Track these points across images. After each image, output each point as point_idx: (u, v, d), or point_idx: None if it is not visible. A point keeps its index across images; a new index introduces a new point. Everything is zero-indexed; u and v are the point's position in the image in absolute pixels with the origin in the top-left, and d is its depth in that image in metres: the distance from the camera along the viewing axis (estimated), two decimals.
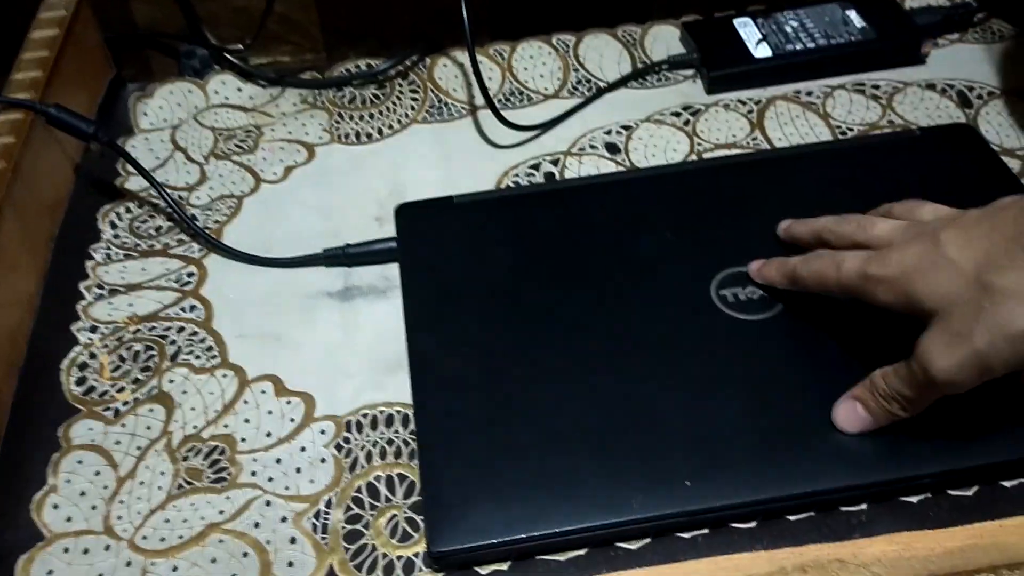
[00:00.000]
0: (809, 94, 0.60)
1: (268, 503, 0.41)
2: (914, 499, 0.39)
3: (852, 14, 0.62)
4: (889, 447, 0.39)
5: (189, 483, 0.42)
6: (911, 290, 0.37)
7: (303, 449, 0.43)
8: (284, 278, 0.50)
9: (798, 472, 0.38)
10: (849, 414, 0.39)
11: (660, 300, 0.45)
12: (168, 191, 0.54)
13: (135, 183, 0.56)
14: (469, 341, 0.44)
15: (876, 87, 0.60)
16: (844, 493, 0.38)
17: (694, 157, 0.56)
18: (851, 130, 0.57)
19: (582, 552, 0.38)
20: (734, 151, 0.56)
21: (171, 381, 0.46)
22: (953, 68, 0.61)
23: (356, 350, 0.47)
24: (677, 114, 0.59)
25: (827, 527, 0.38)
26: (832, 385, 0.40)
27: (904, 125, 0.57)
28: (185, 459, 0.43)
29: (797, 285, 0.43)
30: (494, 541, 0.37)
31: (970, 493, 0.39)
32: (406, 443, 0.42)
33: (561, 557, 0.38)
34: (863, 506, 0.39)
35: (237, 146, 0.59)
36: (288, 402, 0.45)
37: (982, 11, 0.64)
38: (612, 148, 0.57)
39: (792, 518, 0.39)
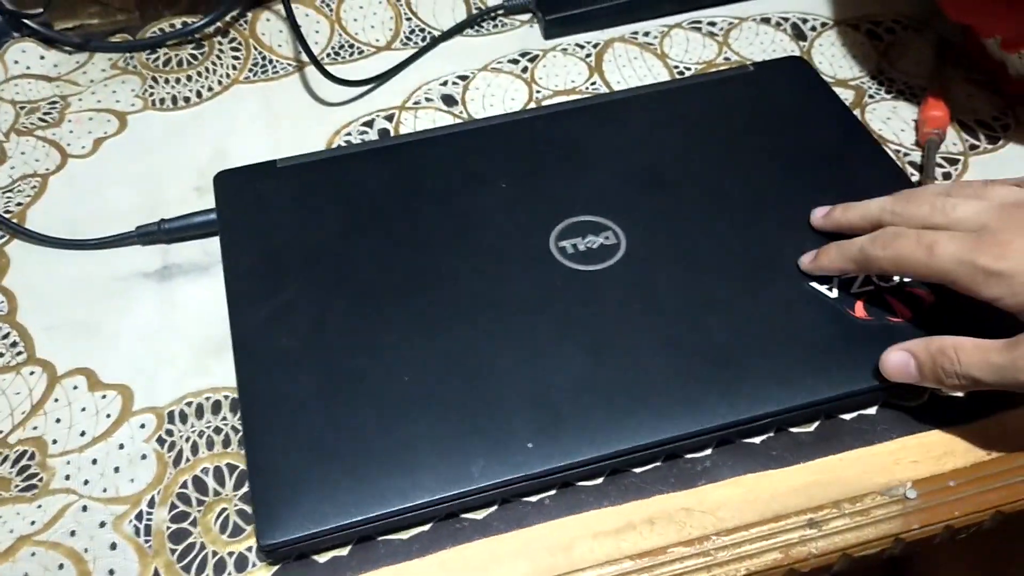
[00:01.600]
0: (647, 34, 0.58)
1: (84, 508, 0.38)
2: (757, 440, 0.39)
3: None
4: (727, 390, 0.38)
5: None
6: None
7: (121, 446, 0.39)
8: (95, 261, 0.46)
9: (639, 423, 0.37)
10: (900, 369, 0.37)
11: (497, 255, 0.43)
12: None
13: None
14: (296, 314, 0.41)
15: (712, 24, 0.59)
16: (686, 440, 0.38)
17: (533, 105, 0.54)
18: (688, 69, 0.56)
19: (426, 528, 0.37)
20: (573, 96, 0.54)
21: None
22: (787, 1, 0.60)
23: (177, 334, 0.43)
24: (515, 61, 0.57)
25: (673, 477, 0.38)
26: (669, 333, 0.40)
27: (740, 61, 0.56)
28: None
29: (868, 269, 0.40)
30: (328, 527, 0.35)
31: (811, 430, 0.39)
32: (235, 430, 0.40)
33: (404, 535, 0.36)
34: (707, 452, 0.38)
35: (41, 119, 0.54)
36: (103, 396, 0.41)
37: None
38: (449, 100, 0.55)
39: (638, 471, 0.38)
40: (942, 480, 0.37)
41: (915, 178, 0.49)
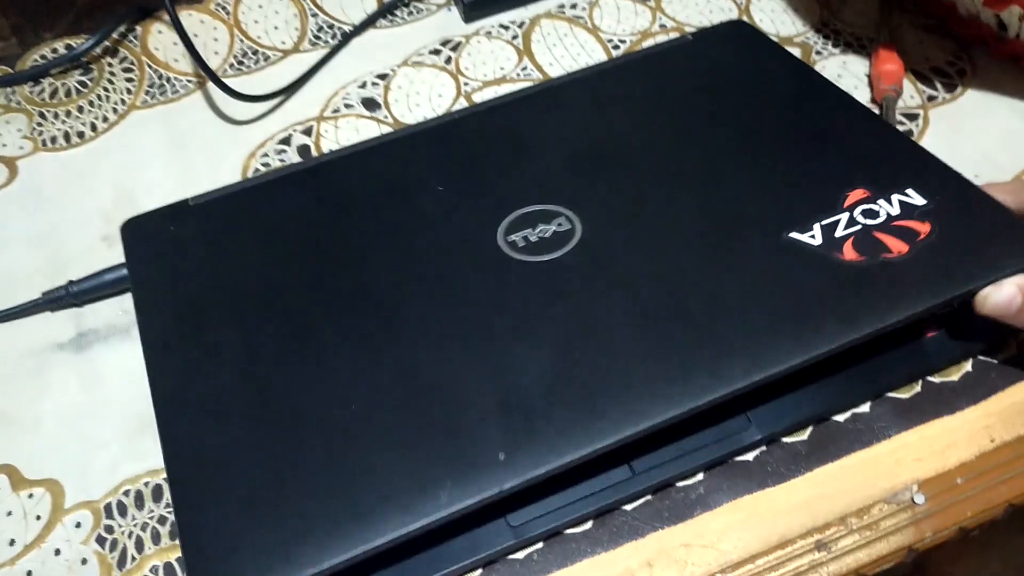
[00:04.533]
0: (574, 7, 0.54)
1: None
2: (749, 457, 0.36)
3: None
4: (713, 364, 0.34)
5: None
6: None
7: (58, 552, 0.35)
8: (0, 336, 0.42)
9: (620, 415, 0.33)
10: (1005, 304, 0.35)
11: (442, 262, 0.40)
12: None
13: None
14: (223, 357, 0.37)
15: None
16: (676, 421, 0.34)
17: (462, 100, 0.50)
18: (623, 42, 0.52)
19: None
20: (504, 86, 0.50)
21: None
22: None
23: (104, 410, 0.39)
24: (436, 52, 0.53)
25: (667, 510, 0.35)
26: (641, 312, 0.36)
27: (677, 27, 0.53)
28: None
29: None
30: None
31: (804, 438, 0.36)
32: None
33: None
34: (700, 477, 0.36)
35: None
36: (30, 495, 0.37)
37: None
38: (370, 104, 0.50)
39: (629, 508, 0.35)
40: (949, 479, 0.35)
41: None
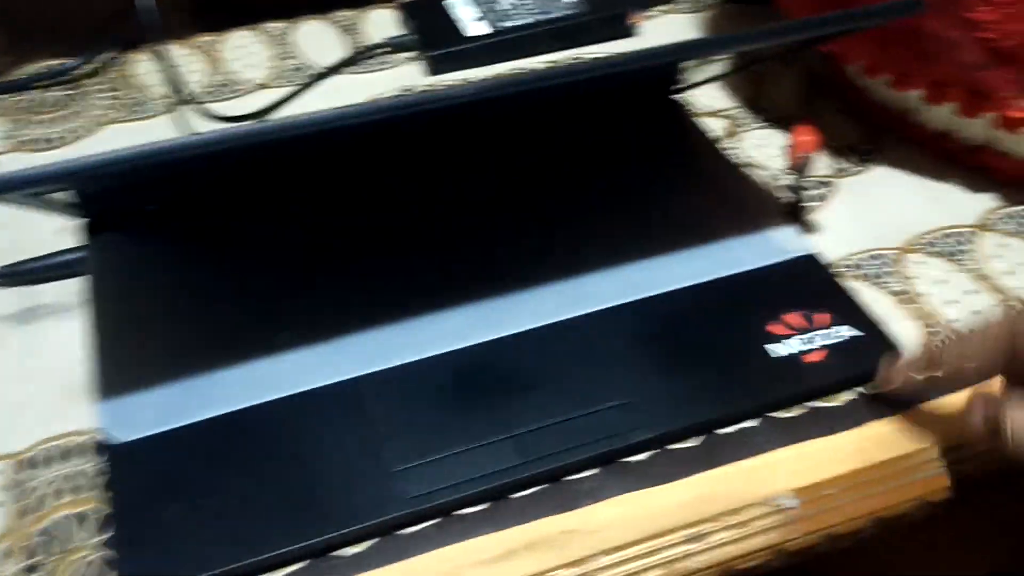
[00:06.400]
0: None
1: None
2: (639, 458, 0.38)
3: None
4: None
5: None
6: None
7: None
8: None
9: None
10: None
11: None
12: None
13: None
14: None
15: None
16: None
17: None
18: None
19: (301, 566, 0.35)
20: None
21: None
22: (663, 39, 0.62)
23: (35, 377, 0.41)
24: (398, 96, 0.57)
25: (554, 500, 0.37)
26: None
27: None
28: None
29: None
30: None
31: (689, 446, 0.39)
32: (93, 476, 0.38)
33: (278, 574, 0.35)
34: (590, 473, 0.38)
35: None
36: None
37: None
38: None
39: (520, 495, 0.37)
40: (820, 489, 0.37)
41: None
